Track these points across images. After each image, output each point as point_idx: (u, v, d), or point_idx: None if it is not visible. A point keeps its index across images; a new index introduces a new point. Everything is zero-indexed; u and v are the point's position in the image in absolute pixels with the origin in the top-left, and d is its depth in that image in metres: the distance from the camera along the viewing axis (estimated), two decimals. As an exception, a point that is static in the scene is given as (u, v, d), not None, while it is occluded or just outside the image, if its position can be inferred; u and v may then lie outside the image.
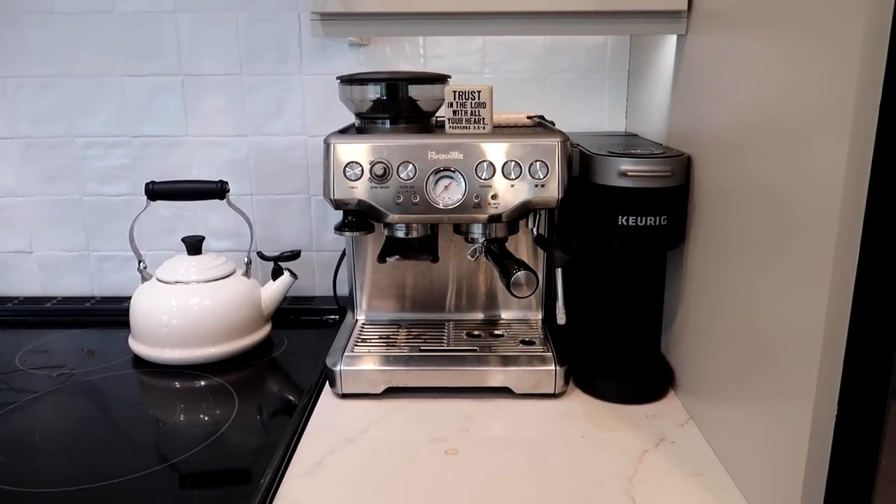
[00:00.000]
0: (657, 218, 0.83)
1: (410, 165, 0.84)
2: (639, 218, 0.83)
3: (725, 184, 0.75)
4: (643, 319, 0.96)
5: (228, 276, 1.04)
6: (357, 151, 0.85)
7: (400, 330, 1.00)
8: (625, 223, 0.83)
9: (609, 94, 1.19)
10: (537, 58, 1.17)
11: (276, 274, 1.08)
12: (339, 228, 0.90)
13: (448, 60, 1.16)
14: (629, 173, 0.81)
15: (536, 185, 0.84)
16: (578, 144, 0.92)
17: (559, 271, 0.86)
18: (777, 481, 0.63)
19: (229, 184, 1.05)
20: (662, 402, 0.90)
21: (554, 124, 1.00)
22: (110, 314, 1.19)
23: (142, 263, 1.06)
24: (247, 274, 1.07)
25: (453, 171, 0.85)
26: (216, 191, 1.03)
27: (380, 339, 0.97)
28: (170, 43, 1.16)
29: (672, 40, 0.93)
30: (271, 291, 1.08)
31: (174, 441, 0.80)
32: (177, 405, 0.89)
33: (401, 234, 0.91)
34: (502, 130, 0.91)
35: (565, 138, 0.86)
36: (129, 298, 1.23)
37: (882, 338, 0.54)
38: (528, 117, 1.01)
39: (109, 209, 1.23)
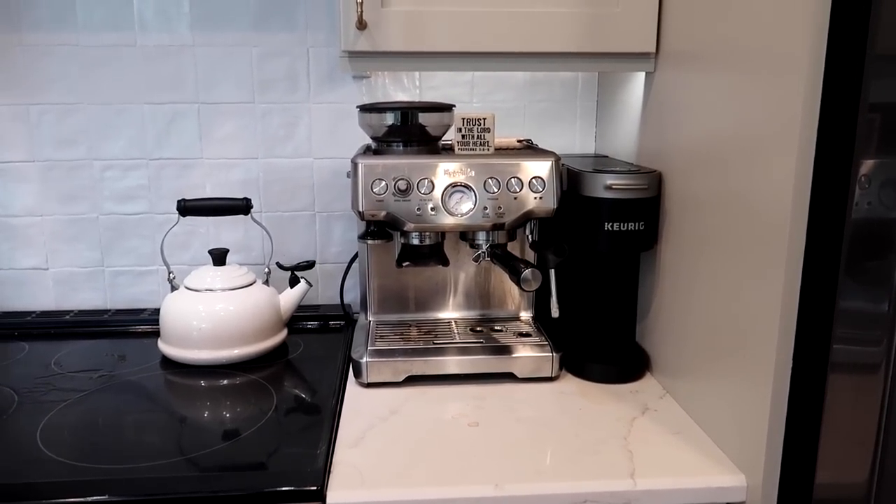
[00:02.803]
0: (636, 224, 0.99)
1: (428, 181, 0.98)
2: (621, 224, 0.99)
3: (691, 194, 0.92)
4: (621, 312, 1.12)
5: (251, 284, 1.15)
6: (382, 170, 0.98)
7: (411, 328, 1.12)
8: (610, 229, 0.99)
9: (580, 121, 1.36)
10: (518, 89, 1.33)
11: (293, 282, 1.19)
12: (363, 237, 1.03)
13: (441, 91, 1.31)
14: (614, 186, 0.97)
15: (535, 198, 0.99)
16: (565, 163, 1.08)
17: (552, 272, 1.01)
18: (746, 433, 0.78)
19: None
20: (641, 381, 1.05)
21: (538, 146, 1.15)
22: (129, 324, 1.27)
23: (171, 274, 1.16)
24: (266, 282, 1.18)
25: (465, 186, 0.99)
26: (242, 207, 1.15)
27: (395, 335, 1.09)
28: (188, 74, 1.27)
29: (639, 75, 1.10)
30: (288, 298, 1.19)
31: (233, 423, 0.91)
32: (222, 396, 1.00)
33: (415, 241, 1.04)
34: (501, 151, 1.06)
35: (557, 158, 1.01)
36: (145, 310, 1.32)
37: (823, 320, 0.70)
38: (518, 140, 1.16)
39: (125, 227, 1.32)
